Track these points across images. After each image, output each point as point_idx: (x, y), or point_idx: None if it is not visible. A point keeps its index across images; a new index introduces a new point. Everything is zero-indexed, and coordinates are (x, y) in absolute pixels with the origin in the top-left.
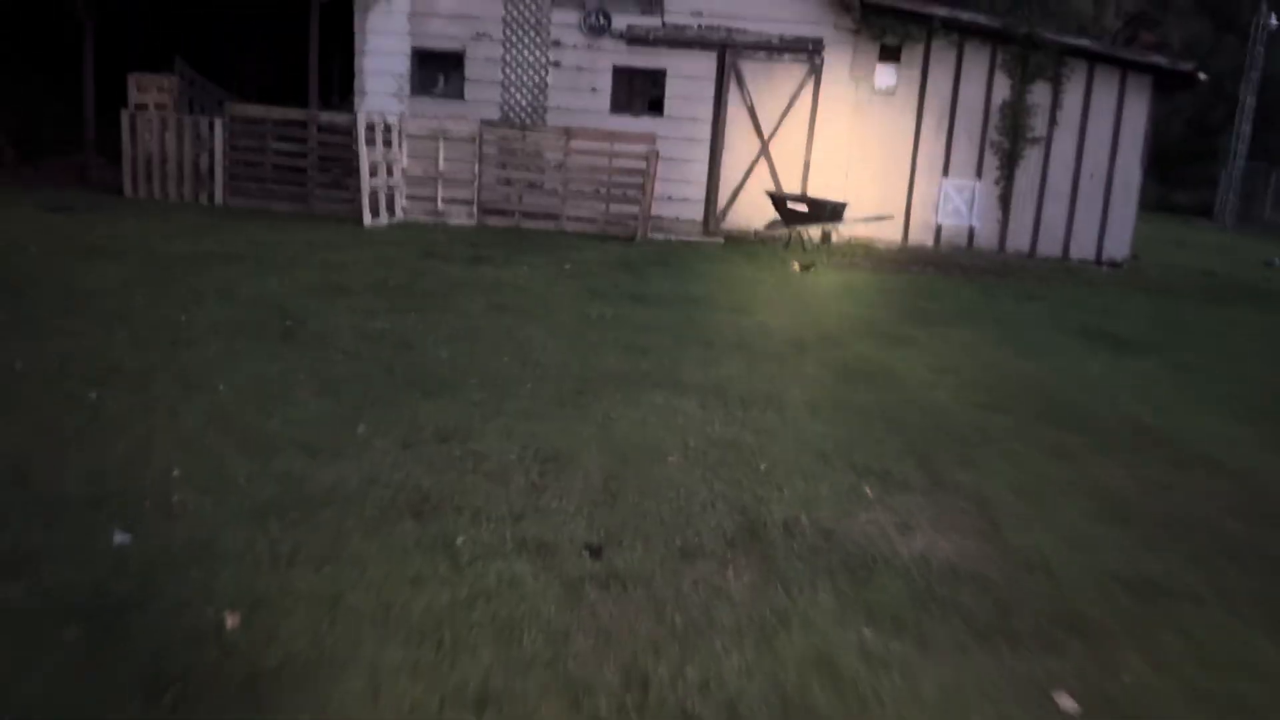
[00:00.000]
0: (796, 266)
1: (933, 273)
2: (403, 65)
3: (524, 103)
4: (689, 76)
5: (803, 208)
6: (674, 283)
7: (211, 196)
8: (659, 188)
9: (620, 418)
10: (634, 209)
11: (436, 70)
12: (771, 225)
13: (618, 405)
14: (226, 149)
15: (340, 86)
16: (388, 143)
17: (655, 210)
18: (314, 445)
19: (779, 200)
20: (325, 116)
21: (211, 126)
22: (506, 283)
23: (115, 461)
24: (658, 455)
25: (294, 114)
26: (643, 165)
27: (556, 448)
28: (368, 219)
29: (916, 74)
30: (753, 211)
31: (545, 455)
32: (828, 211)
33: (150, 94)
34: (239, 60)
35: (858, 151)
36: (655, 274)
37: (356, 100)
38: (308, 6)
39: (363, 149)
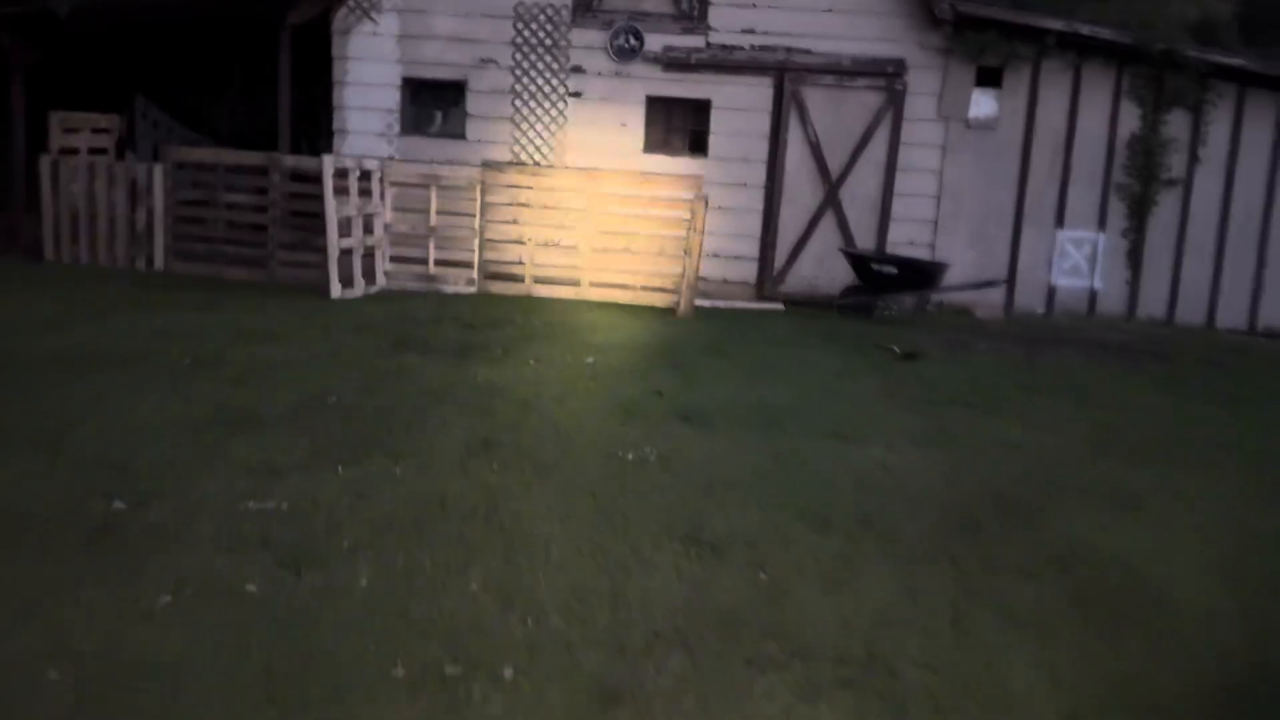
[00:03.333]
0: (896, 351)
1: (1070, 355)
2: (392, 99)
3: (538, 141)
4: (739, 108)
5: (891, 270)
6: (738, 383)
7: (150, 260)
8: (704, 243)
9: None
10: (675, 269)
11: (433, 104)
12: (848, 293)
13: None
14: (168, 202)
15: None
16: (365, 192)
17: (701, 270)
18: None
19: (860, 260)
20: (291, 161)
21: (150, 175)
22: (503, 392)
23: None
24: None
25: (251, 158)
26: (686, 216)
27: None
28: (335, 290)
29: (1022, 102)
30: (817, 270)
31: None
32: (923, 276)
33: (81, 136)
34: (213, 103)
35: (949, 199)
36: (710, 369)
37: (336, 142)
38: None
39: (329, 201)
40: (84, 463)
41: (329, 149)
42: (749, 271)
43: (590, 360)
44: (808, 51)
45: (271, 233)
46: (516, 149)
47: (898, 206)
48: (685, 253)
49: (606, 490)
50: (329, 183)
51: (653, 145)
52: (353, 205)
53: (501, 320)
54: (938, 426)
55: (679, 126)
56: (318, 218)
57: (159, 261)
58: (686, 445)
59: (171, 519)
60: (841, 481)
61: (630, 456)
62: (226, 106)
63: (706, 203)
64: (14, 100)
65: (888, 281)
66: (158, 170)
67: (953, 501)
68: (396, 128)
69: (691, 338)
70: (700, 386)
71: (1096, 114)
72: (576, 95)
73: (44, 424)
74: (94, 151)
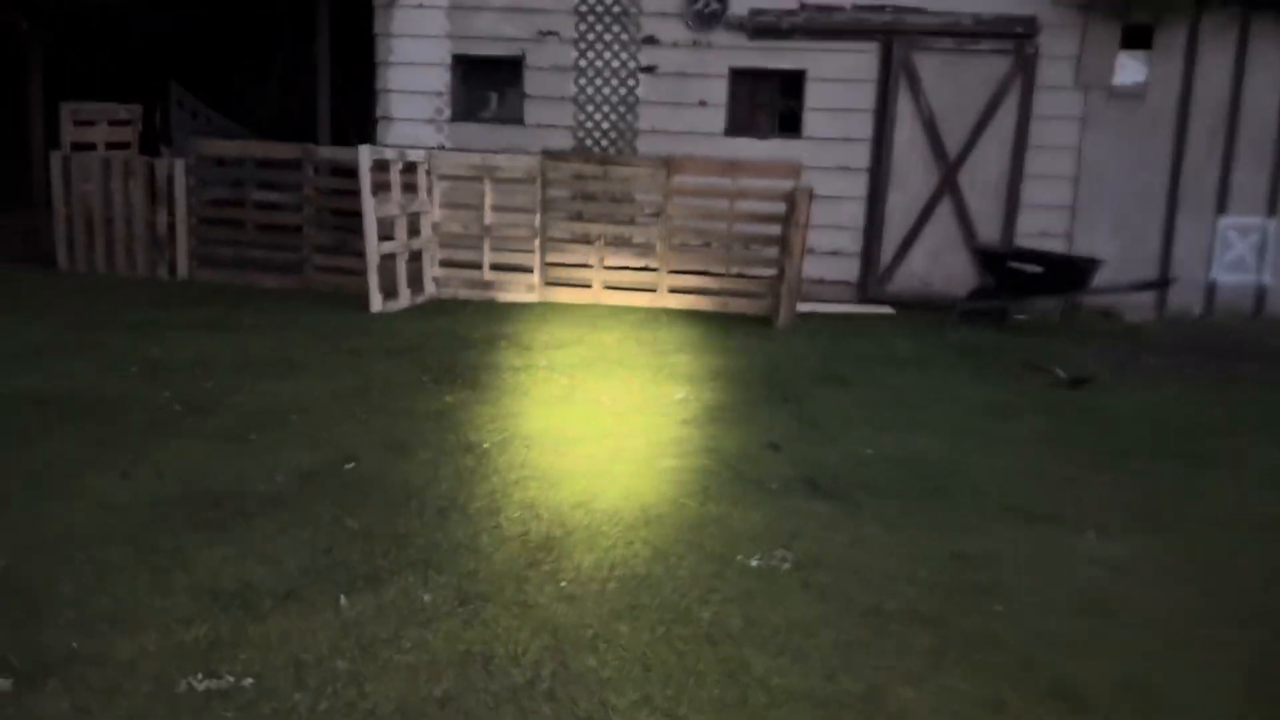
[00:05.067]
0: (1059, 375)
1: (1268, 371)
2: (441, 80)
3: (606, 125)
4: (839, 79)
5: (1033, 268)
6: (871, 427)
7: (172, 268)
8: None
9: None
10: (769, 272)
11: (487, 85)
12: (977, 295)
13: None
14: (192, 202)
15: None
16: (411, 187)
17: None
18: None
19: (993, 257)
20: (327, 152)
21: (171, 172)
22: (572, 450)
23: None
24: None
25: (283, 150)
26: (782, 209)
27: None
28: (375, 302)
29: (1177, 66)
30: (931, 267)
31: None
32: (1072, 275)
33: (98, 129)
34: (254, 90)
35: (1089, 181)
36: (830, 404)
37: (380, 130)
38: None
39: (368, 200)
40: None
41: (376, 138)
42: (849, 269)
43: (679, 396)
44: (920, 10)
45: (306, 235)
46: (581, 134)
47: (1028, 191)
48: (784, 252)
49: (725, 631)
50: (367, 178)
51: (737, 126)
52: (395, 203)
53: (567, 339)
54: (1151, 493)
55: (767, 103)
56: (358, 217)
57: (182, 269)
58: (826, 537)
59: (66, 716)
60: (1061, 602)
61: (754, 563)
62: (269, 94)
63: (810, 195)
64: (33, 90)
65: (1028, 282)
66: (179, 166)
67: (1238, 639)
68: (447, 112)
69: (798, 358)
70: (824, 432)
71: (1267, 79)
72: (649, 70)
73: None
74: (114, 146)
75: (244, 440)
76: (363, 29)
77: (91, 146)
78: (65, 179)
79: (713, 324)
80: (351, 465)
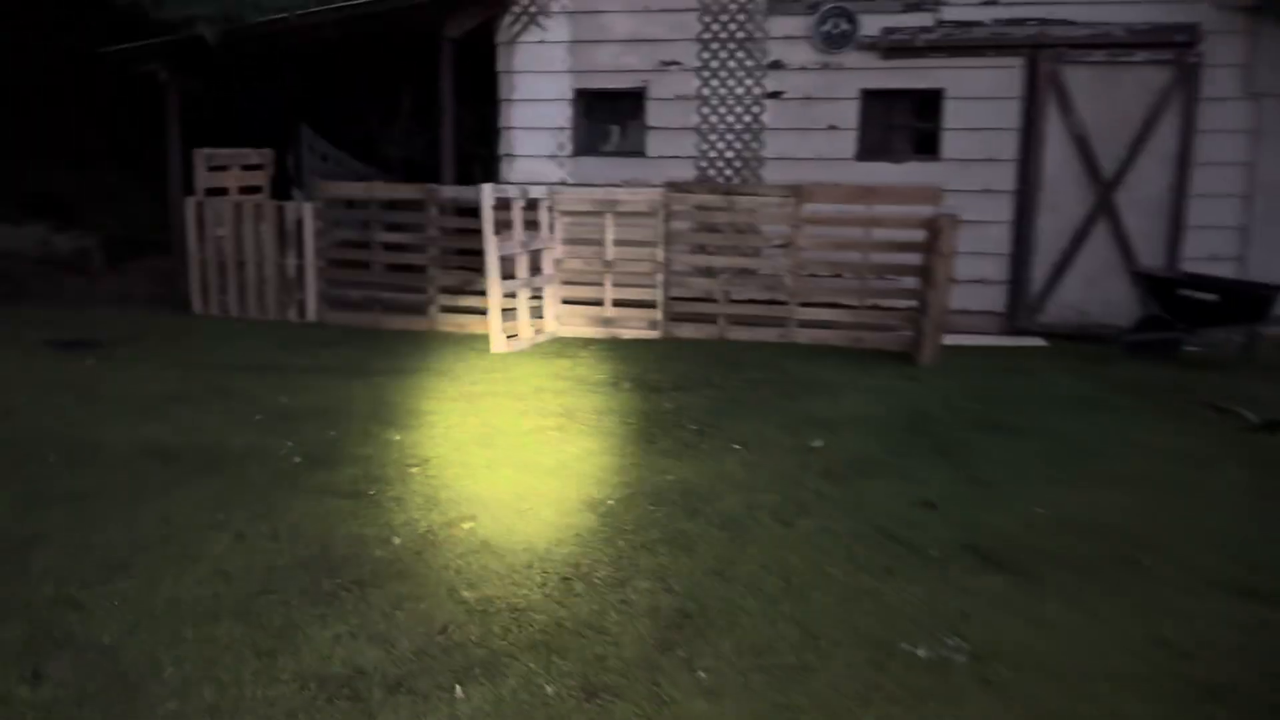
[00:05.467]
0: (1250, 419)
1: None
2: (563, 115)
3: (730, 154)
4: (980, 97)
5: (1209, 297)
6: (1044, 482)
7: (302, 311)
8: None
9: None
10: (906, 304)
11: (608, 118)
12: (1144, 326)
13: None
14: (320, 244)
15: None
16: (533, 224)
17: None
18: None
19: (1162, 284)
20: (450, 192)
21: (299, 215)
22: (702, 507)
23: None
24: None
25: (406, 191)
26: (920, 236)
27: None
28: (497, 343)
29: None
30: (1087, 295)
31: None
32: (1254, 304)
33: (230, 174)
34: (382, 131)
35: (1265, 199)
36: (990, 453)
37: (504, 167)
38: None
39: (489, 239)
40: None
41: (499, 176)
42: (995, 298)
43: (817, 444)
44: (1068, 22)
45: (430, 275)
46: (704, 164)
47: (1194, 211)
48: (926, 283)
49: None
50: (489, 217)
51: (869, 150)
52: (517, 241)
53: (692, 379)
54: None
55: (902, 125)
56: (481, 256)
57: (311, 311)
58: (1002, 620)
59: None
60: None
61: (921, 653)
62: (397, 134)
63: (955, 223)
64: (170, 137)
65: (1201, 311)
66: (308, 209)
67: None
68: (569, 148)
69: (947, 399)
70: (987, 488)
71: None
72: (775, 96)
73: (63, 584)
74: (245, 191)
75: (363, 496)
76: (487, 67)
77: (224, 191)
78: (199, 223)
79: (848, 361)
80: (470, 525)
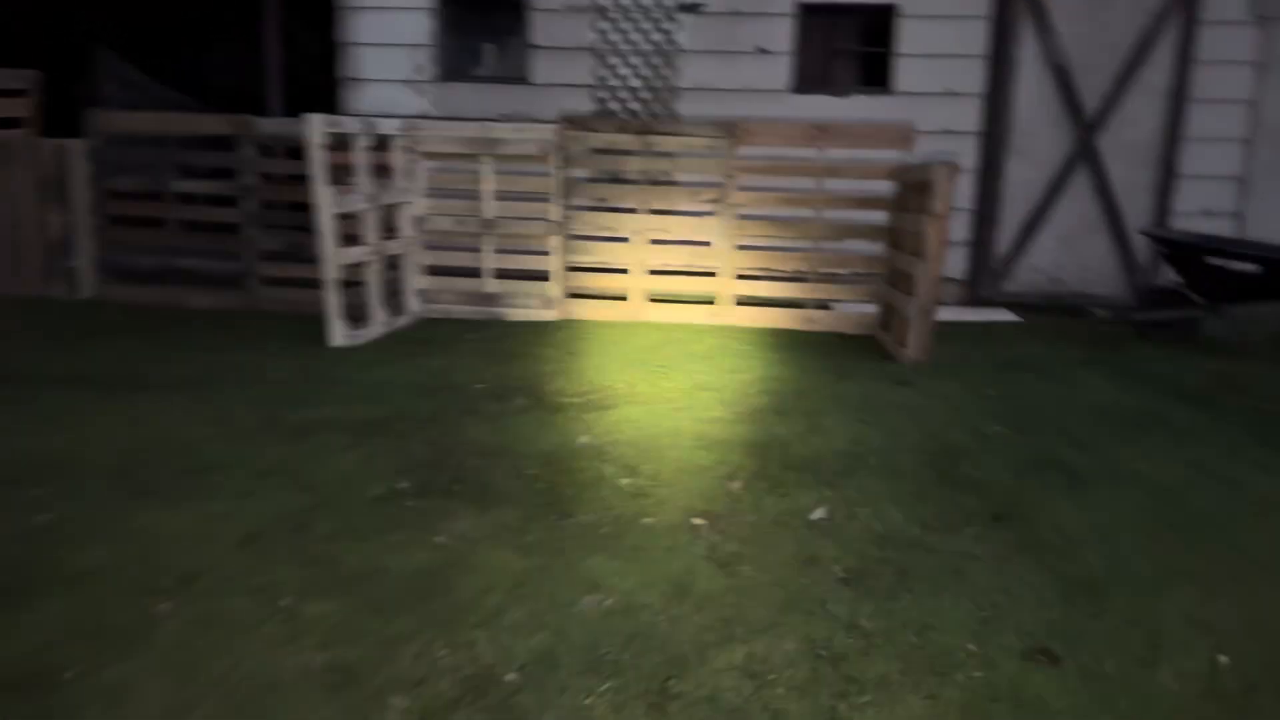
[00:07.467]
0: None
1: None
2: (421, 28)
3: (635, 82)
4: (940, 15)
5: (1249, 268)
6: (1197, 587)
7: (72, 284)
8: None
9: None
10: (874, 275)
11: (482, 34)
12: (1159, 302)
13: None
14: (95, 196)
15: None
16: (383, 171)
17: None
18: None
19: (1186, 250)
20: (271, 126)
21: (65, 157)
22: (650, 652)
23: None
24: None
25: (211, 124)
26: (889, 189)
27: None
28: (336, 334)
29: None
30: (1063, 257)
31: None
32: None
33: None
34: (202, 60)
35: (1269, 145)
36: (1084, 533)
37: (349, 95)
38: None
39: (322, 190)
40: None
41: (340, 106)
42: (954, 263)
43: (817, 514)
44: None
45: (246, 236)
46: (603, 95)
47: (1189, 157)
48: (919, 254)
49: None
50: (319, 159)
51: (807, 80)
52: (363, 194)
53: (610, 388)
54: None
55: (846, 50)
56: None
57: (87, 286)
58: None
59: None
60: None
61: None
62: (223, 60)
63: (953, 171)
64: None
65: (1238, 285)
66: (76, 147)
67: None
68: (431, 71)
69: (964, 417)
70: (1113, 603)
71: None
72: (692, 9)
73: None
74: (1, 125)
75: (55, 680)
76: None
77: None
78: None
79: (806, 352)
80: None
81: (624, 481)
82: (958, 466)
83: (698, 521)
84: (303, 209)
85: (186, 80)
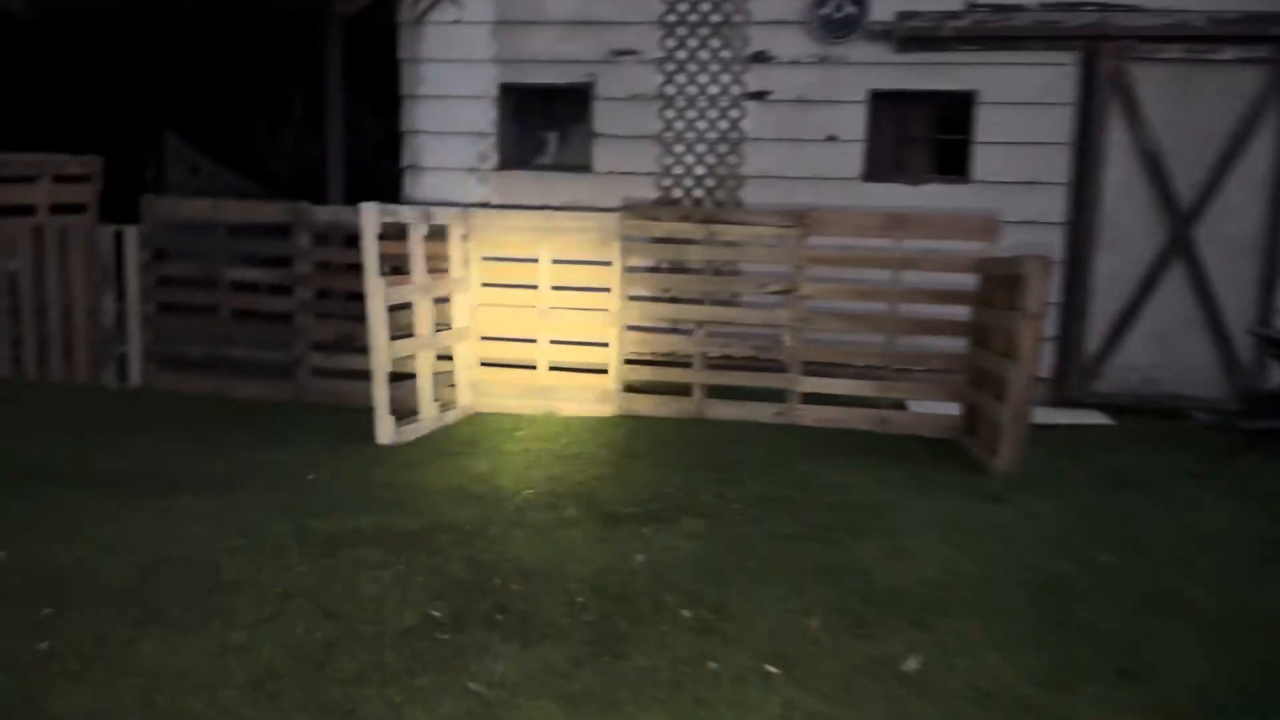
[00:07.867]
0: None
1: None
2: (485, 117)
3: (700, 170)
4: (1021, 102)
5: None
6: None
7: (123, 373)
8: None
9: None
10: (957, 373)
11: (544, 123)
12: (1260, 404)
13: None
14: (144, 283)
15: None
16: (438, 261)
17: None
18: None
19: None
20: (327, 214)
21: (119, 244)
22: None
23: None
24: None
25: (266, 211)
26: (972, 283)
27: None
28: (384, 430)
29: None
30: (1158, 356)
31: None
32: None
33: (39, 187)
34: (269, 141)
35: None
36: (1201, 685)
37: (408, 183)
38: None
39: (374, 280)
40: None
41: (403, 194)
42: (1041, 357)
43: (911, 665)
44: (1135, 9)
45: (299, 326)
46: (667, 183)
47: None
48: (1013, 356)
49: None
50: (373, 250)
51: (879, 168)
52: (417, 285)
53: (668, 496)
54: None
55: (920, 138)
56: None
57: (135, 373)
58: None
59: None
60: None
61: None
62: (288, 145)
63: (1048, 266)
64: None
65: None
66: (130, 235)
67: None
68: (493, 159)
69: (1067, 542)
70: None
71: None
72: (759, 97)
73: None
74: (60, 211)
75: None
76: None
77: (31, 211)
78: None
79: (881, 457)
80: None
81: (685, 613)
82: (1066, 604)
83: (771, 670)
84: (357, 298)
85: (252, 165)
